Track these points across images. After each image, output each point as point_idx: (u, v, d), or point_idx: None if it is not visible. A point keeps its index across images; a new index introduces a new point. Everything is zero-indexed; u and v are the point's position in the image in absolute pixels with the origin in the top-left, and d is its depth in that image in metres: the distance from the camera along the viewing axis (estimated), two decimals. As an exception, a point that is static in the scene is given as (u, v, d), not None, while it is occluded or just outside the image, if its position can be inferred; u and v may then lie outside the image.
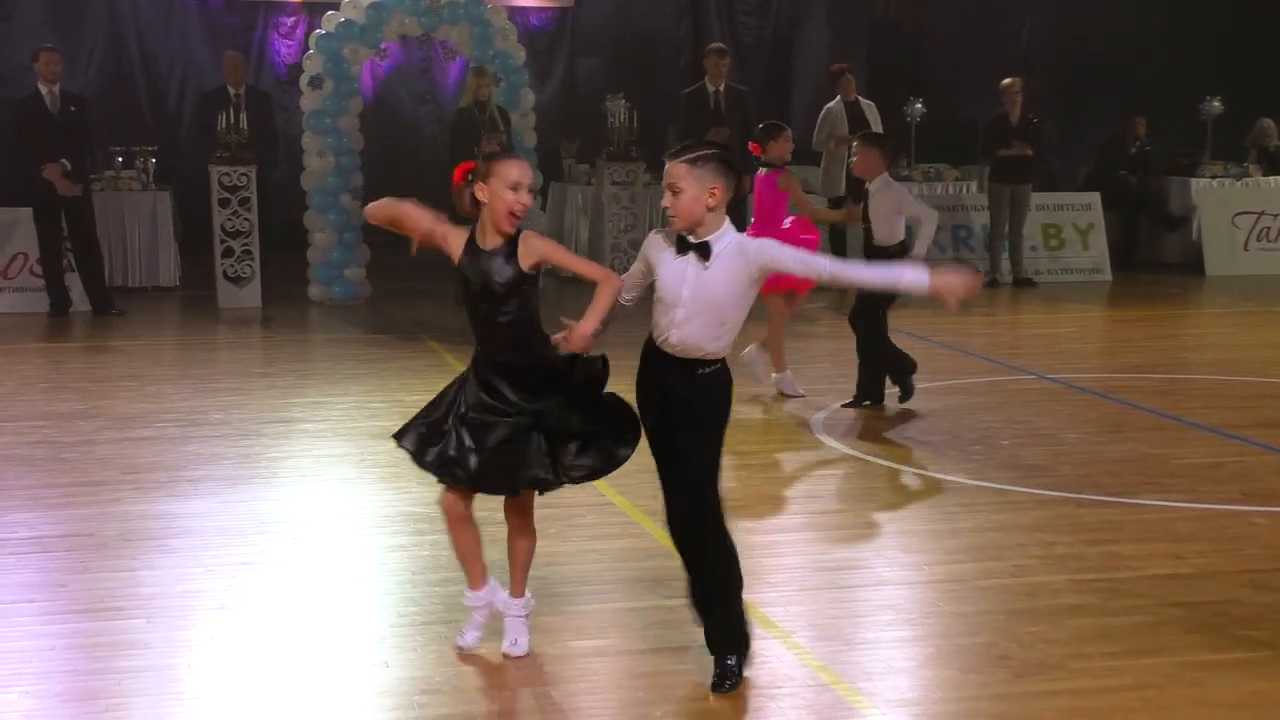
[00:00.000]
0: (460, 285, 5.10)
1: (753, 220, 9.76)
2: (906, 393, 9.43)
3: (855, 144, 9.67)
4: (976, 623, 5.59)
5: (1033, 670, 5.10)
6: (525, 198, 4.89)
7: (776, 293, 9.39)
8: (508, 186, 4.86)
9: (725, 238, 4.75)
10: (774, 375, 9.71)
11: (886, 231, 9.21)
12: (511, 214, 4.88)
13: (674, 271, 4.77)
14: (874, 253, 9.21)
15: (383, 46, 14.83)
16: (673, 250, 4.80)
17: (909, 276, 4.75)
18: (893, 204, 9.18)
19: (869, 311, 9.33)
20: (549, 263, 4.97)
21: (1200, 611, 5.69)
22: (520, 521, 5.20)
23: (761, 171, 9.73)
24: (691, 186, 4.68)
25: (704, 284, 4.71)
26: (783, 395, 9.68)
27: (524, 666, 5.11)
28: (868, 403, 9.48)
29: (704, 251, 4.72)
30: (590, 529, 6.65)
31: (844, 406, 9.46)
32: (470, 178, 4.97)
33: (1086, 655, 5.23)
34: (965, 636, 5.44)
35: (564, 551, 6.40)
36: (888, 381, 9.45)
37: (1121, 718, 4.70)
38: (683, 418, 4.83)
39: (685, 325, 4.74)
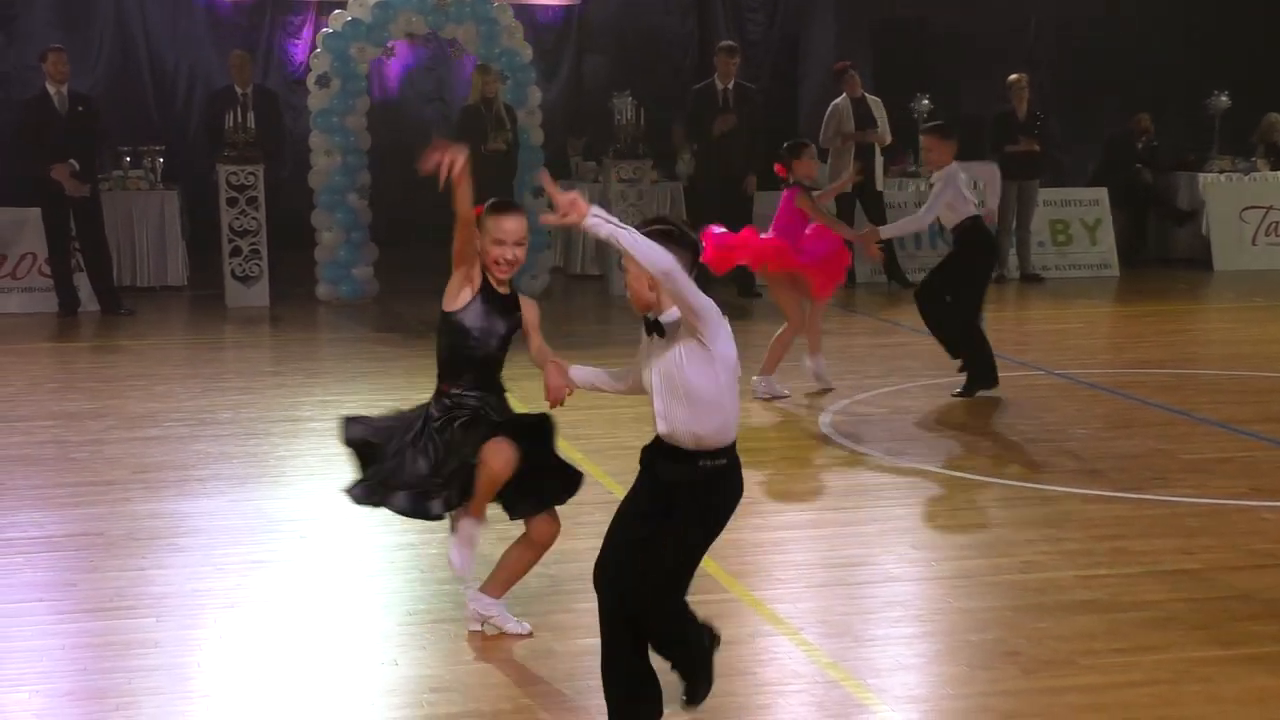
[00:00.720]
0: (458, 323, 5.27)
1: (770, 232, 9.75)
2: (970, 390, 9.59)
3: (925, 136, 9.80)
4: (985, 619, 5.58)
5: (1042, 666, 5.10)
6: (512, 253, 5.05)
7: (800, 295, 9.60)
8: (493, 240, 5.06)
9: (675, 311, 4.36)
10: (754, 378, 9.44)
11: (953, 215, 9.45)
12: (497, 264, 5.09)
13: (645, 358, 4.47)
14: (957, 236, 9.53)
15: (390, 45, 14.84)
16: (645, 336, 4.49)
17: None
18: (955, 193, 9.37)
19: (977, 292, 9.59)
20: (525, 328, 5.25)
21: (1209, 607, 5.68)
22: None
23: (785, 190, 9.76)
24: (633, 265, 4.28)
25: (663, 363, 4.35)
26: (765, 398, 9.42)
27: (533, 664, 5.10)
28: (982, 390, 9.58)
29: (658, 329, 4.39)
30: (599, 526, 6.60)
31: (956, 396, 9.59)
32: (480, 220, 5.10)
33: (1095, 651, 5.23)
34: (974, 633, 5.44)
35: (572, 549, 6.39)
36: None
37: (1131, 714, 4.70)
38: (682, 509, 4.40)
39: (669, 413, 4.37)
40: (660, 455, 4.46)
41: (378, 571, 6.26)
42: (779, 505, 7.30)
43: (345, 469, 7.93)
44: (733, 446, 4.43)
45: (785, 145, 9.97)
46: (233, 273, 14.15)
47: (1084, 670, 5.06)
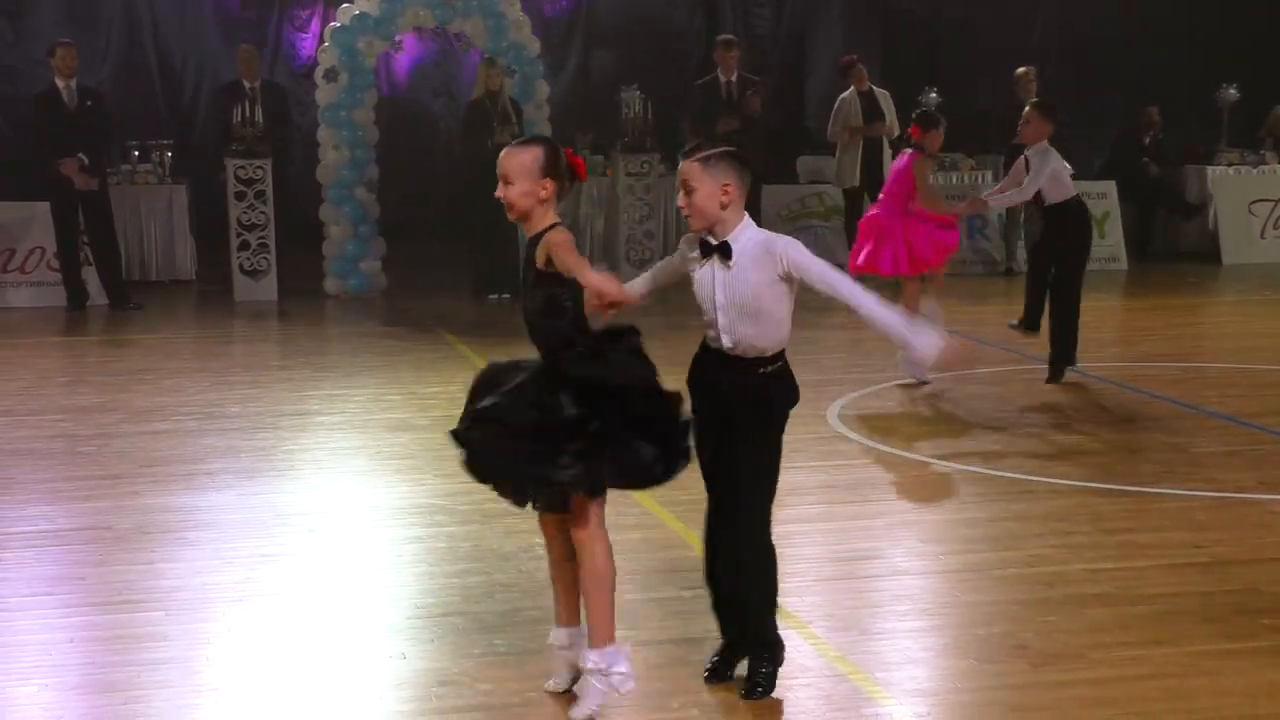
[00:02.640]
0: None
1: (881, 196, 10.08)
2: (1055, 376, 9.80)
3: (1028, 110, 9.82)
4: (993, 612, 5.57)
5: (1050, 660, 5.09)
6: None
7: (911, 273, 9.83)
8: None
9: (745, 234, 4.66)
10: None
11: (1057, 191, 9.59)
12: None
13: (704, 278, 4.71)
14: (1050, 213, 9.74)
15: (398, 39, 14.83)
16: (698, 255, 4.73)
17: (914, 339, 4.68)
18: (1061, 166, 9.55)
19: (1073, 273, 9.71)
20: (556, 261, 4.56)
21: (1218, 600, 5.67)
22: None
23: (906, 152, 9.99)
24: (705, 185, 4.60)
25: (732, 285, 4.64)
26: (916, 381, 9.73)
27: (540, 658, 5.09)
28: (1066, 366, 9.78)
29: (725, 252, 4.64)
30: (608, 521, 6.64)
31: (1047, 382, 9.71)
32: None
33: (1104, 645, 5.22)
34: (982, 626, 5.43)
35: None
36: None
37: (1140, 707, 4.69)
38: (746, 417, 4.71)
39: (734, 329, 4.66)
40: (722, 369, 4.73)
41: (386, 565, 6.26)
42: (786, 499, 7.24)
43: (353, 462, 7.97)
44: (784, 351, 4.78)
45: (924, 112, 10.38)
46: (241, 267, 14.15)
47: (1092, 664, 5.05)
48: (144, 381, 10.21)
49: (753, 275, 4.62)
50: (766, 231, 4.74)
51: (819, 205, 16.53)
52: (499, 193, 4.67)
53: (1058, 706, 4.71)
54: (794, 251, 4.65)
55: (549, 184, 4.63)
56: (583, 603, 4.71)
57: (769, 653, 4.85)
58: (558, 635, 4.85)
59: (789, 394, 4.80)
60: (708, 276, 4.69)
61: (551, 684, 4.87)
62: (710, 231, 4.67)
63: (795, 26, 19.82)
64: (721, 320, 4.66)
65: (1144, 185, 17.35)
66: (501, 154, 4.72)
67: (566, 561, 4.75)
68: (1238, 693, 4.79)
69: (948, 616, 5.59)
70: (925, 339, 4.71)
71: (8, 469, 7.87)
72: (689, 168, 4.66)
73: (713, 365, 4.76)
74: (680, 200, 4.72)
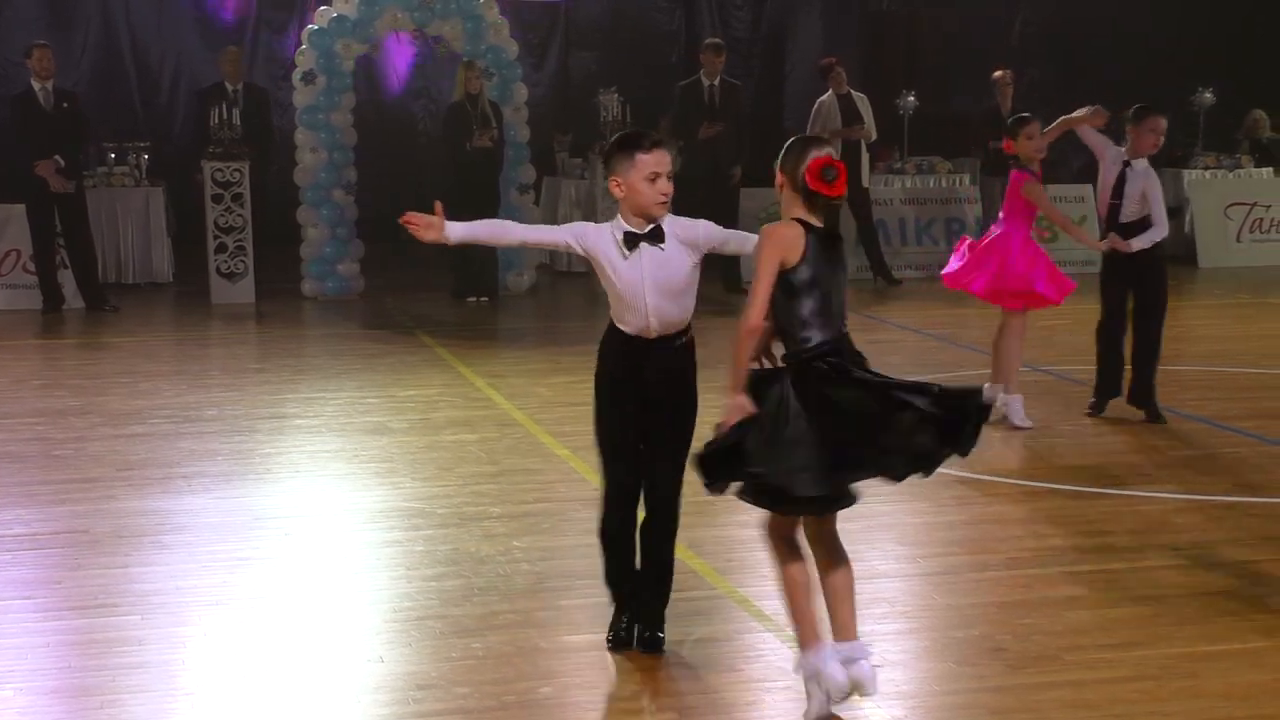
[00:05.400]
0: None
1: (1000, 216, 8.89)
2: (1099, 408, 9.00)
3: (1145, 119, 8.81)
4: (971, 615, 5.58)
5: (1029, 662, 5.10)
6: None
7: (1016, 308, 8.75)
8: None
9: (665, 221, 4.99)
10: (1001, 396, 8.66)
11: (1136, 210, 8.76)
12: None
13: (631, 269, 4.96)
14: (1125, 230, 8.76)
15: (373, 42, 14.81)
16: (622, 251, 4.98)
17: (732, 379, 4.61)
18: (1154, 185, 8.80)
19: (1160, 304, 9.02)
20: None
21: (1195, 603, 5.68)
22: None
23: (1014, 169, 8.86)
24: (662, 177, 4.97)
25: (666, 268, 4.94)
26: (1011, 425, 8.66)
27: (519, 661, 5.09)
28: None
29: (658, 237, 4.95)
30: (583, 524, 6.63)
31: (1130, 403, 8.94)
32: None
33: (1082, 647, 5.23)
34: (960, 629, 5.44)
35: (558, 546, 6.40)
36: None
37: (1119, 709, 4.70)
38: (674, 388, 5.04)
39: (661, 312, 4.96)
40: (647, 351, 5.01)
41: (363, 568, 6.24)
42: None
43: (331, 466, 7.95)
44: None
45: (1011, 118, 9.20)
46: (218, 269, 14.11)
47: (1071, 666, 5.06)
48: (120, 384, 10.17)
49: (680, 256, 4.95)
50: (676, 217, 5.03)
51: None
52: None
53: (1036, 709, 4.71)
54: (697, 227, 5.01)
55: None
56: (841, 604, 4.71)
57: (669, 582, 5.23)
58: (830, 654, 4.64)
59: (694, 360, 5.12)
60: (635, 269, 4.94)
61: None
62: (630, 223, 4.97)
63: (774, 28, 19.85)
64: (651, 303, 4.95)
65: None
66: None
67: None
68: (1215, 694, 4.80)
69: (925, 619, 5.59)
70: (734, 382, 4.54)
71: (-17, 472, 7.84)
72: (668, 157, 4.98)
73: (629, 350, 5.04)
74: (666, 188, 4.92)
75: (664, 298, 4.95)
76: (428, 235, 5.11)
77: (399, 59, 18.33)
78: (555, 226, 5.40)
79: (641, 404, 5.03)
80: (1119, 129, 9.10)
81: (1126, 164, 8.81)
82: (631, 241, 4.94)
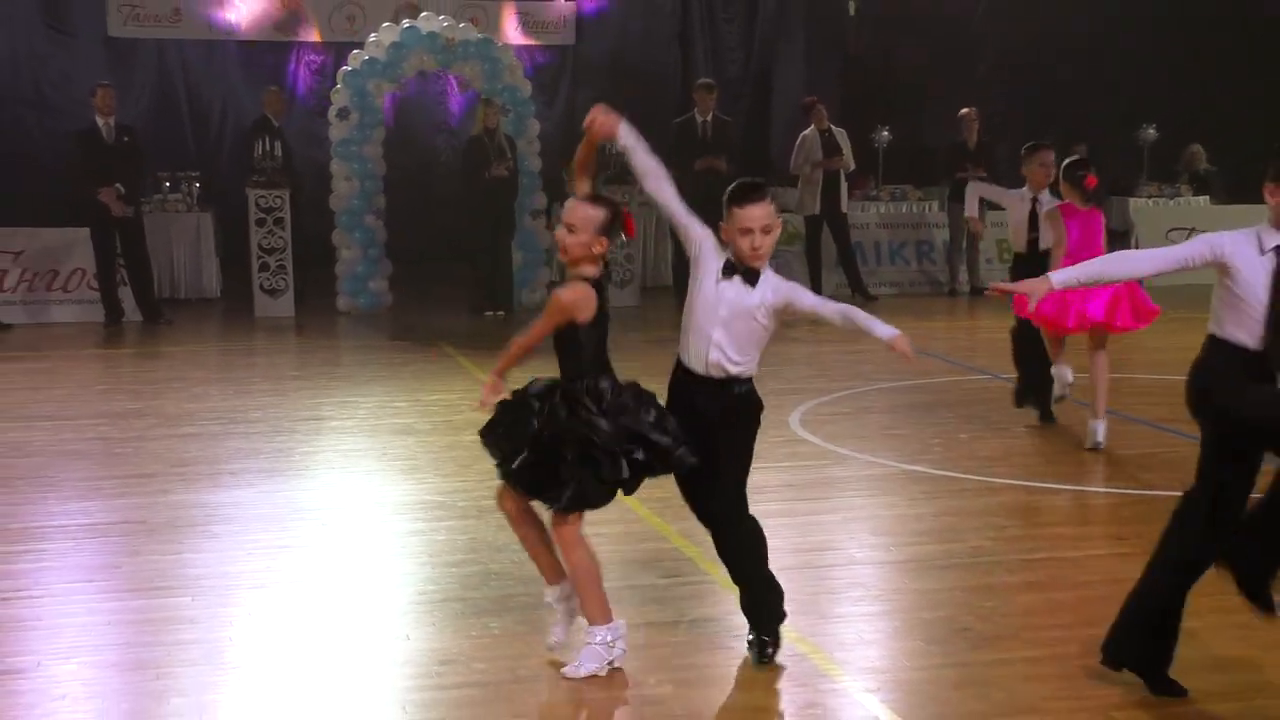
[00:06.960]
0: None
1: (1065, 253, 8.34)
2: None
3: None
4: (939, 598, 5.59)
5: (989, 641, 5.11)
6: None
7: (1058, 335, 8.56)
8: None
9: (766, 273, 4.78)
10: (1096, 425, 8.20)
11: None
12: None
13: (715, 292, 4.73)
14: (1045, 256, 8.49)
15: (402, 80, 14.83)
16: (718, 274, 4.74)
17: (878, 328, 4.64)
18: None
19: None
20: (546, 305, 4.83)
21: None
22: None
23: (1091, 208, 8.61)
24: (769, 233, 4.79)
25: (744, 308, 4.70)
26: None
27: (535, 638, 5.10)
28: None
29: (750, 276, 4.74)
30: (590, 514, 6.65)
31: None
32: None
33: (1036, 627, 5.24)
34: (928, 611, 5.44)
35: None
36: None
37: (1070, 684, 4.71)
38: (721, 429, 4.78)
39: (723, 346, 4.73)
40: (698, 390, 4.77)
41: (392, 555, 6.25)
42: (752, 496, 7.26)
43: (362, 463, 7.95)
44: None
45: (1069, 161, 8.62)
46: (261, 286, 14.12)
47: (1026, 644, 5.07)
48: (174, 389, 10.18)
49: (763, 306, 4.71)
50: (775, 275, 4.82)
51: (782, 232, 16.52)
52: (559, 235, 4.73)
53: (996, 682, 4.72)
54: (788, 289, 4.78)
55: (603, 242, 4.69)
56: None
57: (773, 615, 4.97)
58: (550, 593, 4.95)
59: (754, 412, 4.87)
60: (718, 293, 4.72)
61: (553, 639, 4.92)
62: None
63: (764, 68, 19.86)
64: (716, 335, 4.71)
65: (1074, 214, 17.40)
66: (572, 204, 4.74)
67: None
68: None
69: (897, 602, 5.60)
70: (887, 327, 4.64)
71: (51, 469, 7.84)
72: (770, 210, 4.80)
73: (690, 387, 4.79)
74: (759, 243, 4.74)
75: (730, 334, 4.72)
76: (607, 120, 4.78)
77: (453, 101, 18.50)
78: (689, 212, 4.90)
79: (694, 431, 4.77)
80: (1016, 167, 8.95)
81: (1035, 200, 8.86)
82: (729, 270, 4.74)
